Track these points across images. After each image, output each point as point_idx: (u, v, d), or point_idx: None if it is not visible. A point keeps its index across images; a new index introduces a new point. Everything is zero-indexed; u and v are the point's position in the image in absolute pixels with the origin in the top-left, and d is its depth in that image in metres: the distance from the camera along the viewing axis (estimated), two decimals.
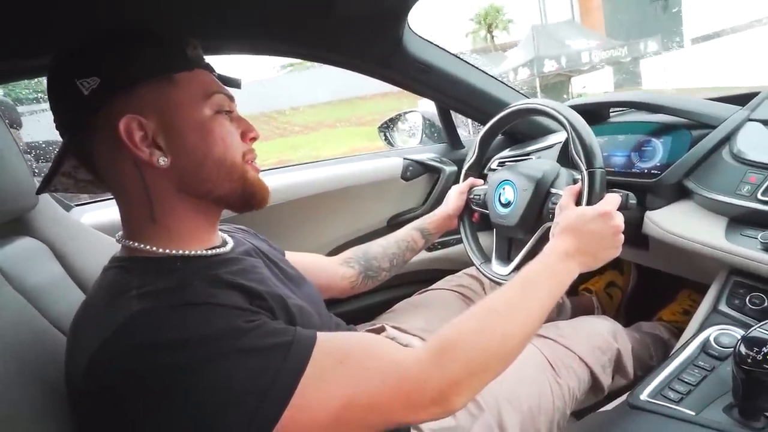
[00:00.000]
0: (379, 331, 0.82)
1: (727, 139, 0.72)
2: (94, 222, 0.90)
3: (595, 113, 1.02)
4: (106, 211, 0.96)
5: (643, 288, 1.26)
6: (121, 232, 0.50)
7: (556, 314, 1.09)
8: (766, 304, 0.61)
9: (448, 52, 1.07)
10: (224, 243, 0.55)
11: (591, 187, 0.64)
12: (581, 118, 0.69)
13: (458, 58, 1.09)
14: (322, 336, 0.43)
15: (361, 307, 1.11)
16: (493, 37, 26.11)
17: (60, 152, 0.48)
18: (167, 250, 0.47)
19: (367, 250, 0.88)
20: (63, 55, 0.45)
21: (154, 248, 0.47)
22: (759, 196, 0.61)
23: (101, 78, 0.43)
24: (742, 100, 0.82)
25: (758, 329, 0.48)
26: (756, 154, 0.64)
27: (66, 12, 0.59)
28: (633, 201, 0.73)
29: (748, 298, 0.63)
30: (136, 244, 0.47)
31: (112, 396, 0.37)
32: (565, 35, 9.43)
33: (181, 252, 0.48)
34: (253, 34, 0.89)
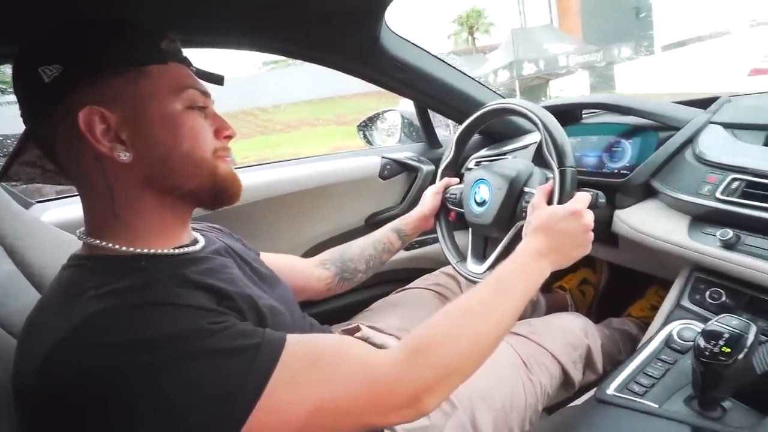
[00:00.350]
0: (354, 330, 0.82)
1: (690, 140, 0.75)
2: (57, 219, 0.86)
3: (568, 114, 1.04)
4: (70, 208, 0.92)
5: (615, 285, 1.30)
6: (82, 228, 0.48)
7: (531, 311, 1.11)
8: (723, 298, 0.64)
9: (425, 51, 1.08)
10: (195, 242, 0.54)
11: (562, 186, 0.66)
12: (554, 118, 0.71)
13: (436, 57, 1.10)
14: (292, 338, 0.43)
15: (338, 306, 1.11)
16: (474, 39, 26.43)
17: (21, 140, 0.46)
18: (131, 249, 0.46)
19: (344, 252, 0.88)
20: (29, 42, 0.44)
21: (117, 246, 0.45)
22: (717, 195, 0.64)
23: (64, 66, 0.42)
24: (704, 103, 0.85)
25: (715, 323, 0.50)
26: (715, 155, 0.67)
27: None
28: (602, 200, 0.74)
29: (707, 293, 0.66)
30: (98, 241, 0.46)
31: (65, 396, 0.36)
32: (544, 39, 9.64)
33: (146, 250, 0.46)
34: (228, 28, 0.87)
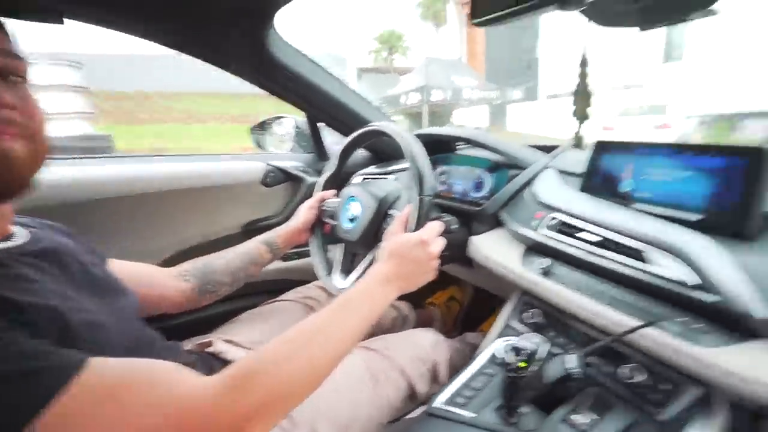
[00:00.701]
0: (206, 345, 0.77)
1: (531, 180, 0.86)
2: None
3: (444, 143, 1.13)
4: None
5: (478, 302, 1.44)
6: None
7: (401, 325, 1.16)
8: (539, 319, 0.74)
9: (316, 63, 1.08)
10: (6, 238, 0.46)
11: (418, 214, 0.70)
12: (421, 147, 0.75)
13: (326, 71, 1.11)
14: (95, 363, 0.38)
15: (201, 318, 1.03)
16: (393, 59, 27.57)
17: None
18: None
19: (208, 263, 0.83)
20: None
21: None
22: (539, 230, 0.74)
23: None
24: (549, 149, 1.00)
25: (521, 339, 0.57)
26: (544, 196, 0.78)
27: None
28: (455, 226, 0.81)
29: (528, 313, 0.76)
30: None
31: None
32: (453, 71, 10.49)
33: None
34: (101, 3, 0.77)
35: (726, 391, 0.49)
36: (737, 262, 0.51)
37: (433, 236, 0.68)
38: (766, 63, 8.92)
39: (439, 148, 1.11)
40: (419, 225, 0.69)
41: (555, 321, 0.72)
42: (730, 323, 0.50)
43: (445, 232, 0.73)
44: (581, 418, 0.56)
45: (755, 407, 0.48)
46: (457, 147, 1.18)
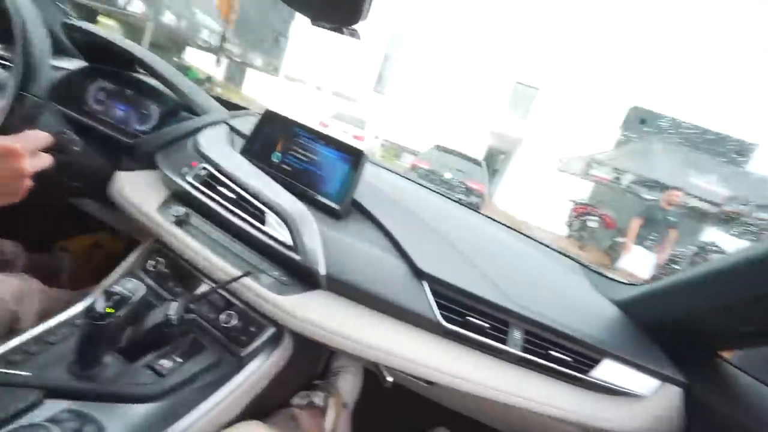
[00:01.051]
0: None
1: (201, 129, 0.82)
2: None
3: (121, 57, 0.92)
4: None
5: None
6: None
7: (6, 269, 0.86)
8: (163, 268, 0.71)
9: None
10: None
11: (11, 113, 0.52)
12: (39, 26, 0.56)
13: None
14: None
15: None
16: None
17: None
18: None
19: None
20: None
21: None
22: (187, 178, 0.71)
23: None
24: (236, 107, 0.99)
25: (115, 285, 0.52)
26: (204, 146, 0.76)
27: None
28: (76, 147, 0.67)
29: (152, 262, 0.72)
30: None
31: None
32: (198, 4, 9.12)
33: None
34: None
35: (289, 326, 0.62)
36: (322, 233, 0.65)
37: (29, 148, 0.51)
38: (432, 119, 12.96)
39: (117, 62, 0.90)
40: (10, 131, 0.52)
41: (179, 270, 0.71)
42: (307, 278, 0.64)
43: (60, 151, 0.58)
44: (166, 362, 0.56)
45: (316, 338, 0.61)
46: (139, 72, 0.99)
